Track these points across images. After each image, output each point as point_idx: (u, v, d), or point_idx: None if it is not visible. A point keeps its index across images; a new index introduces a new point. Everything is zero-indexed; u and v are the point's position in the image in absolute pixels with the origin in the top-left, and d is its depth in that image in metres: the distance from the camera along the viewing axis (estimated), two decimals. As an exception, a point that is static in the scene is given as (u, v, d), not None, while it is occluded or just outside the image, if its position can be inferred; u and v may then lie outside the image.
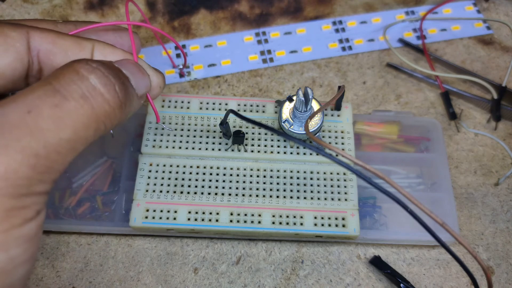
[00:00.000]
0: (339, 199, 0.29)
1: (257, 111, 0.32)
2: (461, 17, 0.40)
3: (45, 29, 0.23)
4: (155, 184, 0.29)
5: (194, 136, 0.31)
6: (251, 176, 0.30)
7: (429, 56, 0.38)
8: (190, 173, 0.29)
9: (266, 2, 0.41)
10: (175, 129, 0.31)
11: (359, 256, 0.30)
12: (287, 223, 0.28)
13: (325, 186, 0.30)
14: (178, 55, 0.38)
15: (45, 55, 0.22)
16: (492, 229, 0.31)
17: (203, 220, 0.28)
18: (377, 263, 0.30)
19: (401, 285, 0.28)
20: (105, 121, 0.19)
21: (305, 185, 0.30)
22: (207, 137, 0.31)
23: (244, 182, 0.29)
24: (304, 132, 0.28)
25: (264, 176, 0.30)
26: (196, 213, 0.28)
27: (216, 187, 0.29)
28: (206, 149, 0.30)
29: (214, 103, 0.32)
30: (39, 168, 0.17)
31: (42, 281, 0.29)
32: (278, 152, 0.30)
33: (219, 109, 0.32)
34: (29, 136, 0.17)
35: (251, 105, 0.32)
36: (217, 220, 0.28)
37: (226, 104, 0.32)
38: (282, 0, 0.41)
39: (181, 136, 0.31)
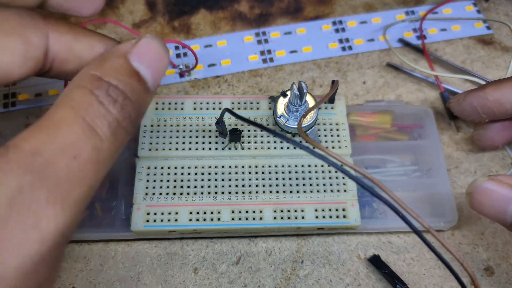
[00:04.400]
0: (338, 191, 0.29)
1: (251, 108, 0.32)
2: (461, 17, 0.40)
3: (63, 30, 0.22)
4: (154, 187, 0.29)
5: (190, 137, 0.31)
6: (249, 173, 0.30)
7: (428, 56, 0.38)
8: (189, 173, 0.30)
9: (266, 2, 0.41)
10: (171, 131, 0.31)
11: (359, 256, 0.30)
12: (289, 217, 0.29)
13: (323, 178, 0.30)
14: (178, 55, 0.38)
15: (59, 63, 0.22)
16: (492, 229, 0.31)
17: (204, 220, 0.28)
18: (375, 262, 0.29)
19: (397, 286, 0.28)
20: (123, 146, 0.20)
21: (303, 178, 0.30)
22: (203, 137, 0.31)
23: (243, 179, 0.30)
24: None
25: (263, 173, 0.30)
26: (197, 213, 0.29)
27: (216, 186, 0.29)
28: (203, 149, 0.30)
29: (208, 103, 0.32)
30: (82, 207, 0.18)
31: (42, 281, 0.29)
32: (275, 148, 0.31)
33: (213, 109, 0.32)
34: (78, 188, 0.17)
35: (245, 103, 0.32)
36: (218, 219, 0.28)
37: (220, 103, 0.32)
38: (282, 0, 0.41)
39: (177, 137, 0.31)
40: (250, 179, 0.30)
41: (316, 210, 0.29)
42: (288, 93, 0.29)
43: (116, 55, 0.20)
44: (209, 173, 0.30)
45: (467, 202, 0.25)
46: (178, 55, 0.38)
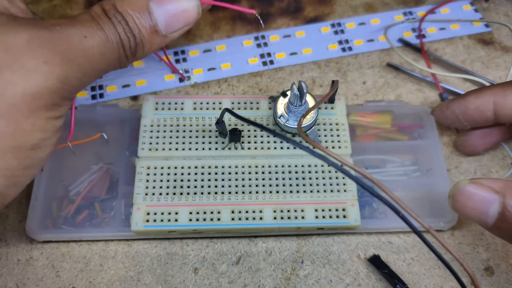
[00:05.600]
0: (338, 191, 0.29)
1: (251, 108, 0.32)
2: (461, 18, 0.40)
3: None
4: (154, 187, 0.29)
5: (190, 137, 0.31)
6: (249, 173, 0.30)
7: (427, 57, 0.38)
8: (189, 173, 0.30)
9: (266, 2, 0.41)
10: (171, 131, 0.31)
11: (359, 256, 0.30)
12: (289, 217, 0.29)
13: (323, 178, 0.30)
14: (177, 60, 0.38)
15: None
16: (492, 229, 0.31)
17: (204, 220, 0.28)
18: (375, 262, 0.29)
19: (397, 286, 0.28)
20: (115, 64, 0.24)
21: (303, 178, 0.30)
22: (203, 137, 0.31)
23: (243, 179, 0.30)
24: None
25: (263, 173, 0.30)
26: (197, 213, 0.29)
27: (216, 186, 0.29)
28: (203, 149, 0.30)
29: (208, 103, 0.32)
30: (80, 79, 0.22)
31: (42, 281, 0.29)
32: (275, 148, 0.31)
33: (213, 109, 0.32)
34: (82, 58, 0.21)
35: (245, 103, 0.32)
36: (218, 219, 0.28)
37: (220, 103, 0.32)
38: (282, 0, 0.41)
39: (177, 137, 0.31)
40: (250, 179, 0.30)
41: (316, 210, 0.29)
42: (288, 93, 0.29)
43: None
44: (209, 173, 0.30)
45: (450, 205, 0.26)
46: (177, 60, 0.38)
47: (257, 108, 0.32)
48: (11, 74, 0.20)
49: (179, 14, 0.24)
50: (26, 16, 0.23)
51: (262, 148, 0.31)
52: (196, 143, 0.30)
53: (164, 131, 0.31)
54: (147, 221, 0.28)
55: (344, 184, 0.30)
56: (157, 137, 0.30)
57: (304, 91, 0.28)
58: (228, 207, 0.29)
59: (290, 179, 0.30)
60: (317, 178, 0.30)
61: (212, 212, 0.29)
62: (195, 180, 0.29)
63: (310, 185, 0.30)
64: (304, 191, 0.29)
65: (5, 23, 0.20)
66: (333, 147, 0.31)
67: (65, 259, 0.30)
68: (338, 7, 0.41)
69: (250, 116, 0.31)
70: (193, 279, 0.29)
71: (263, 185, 0.29)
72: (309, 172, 0.30)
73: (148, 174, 0.29)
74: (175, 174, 0.30)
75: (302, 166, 0.30)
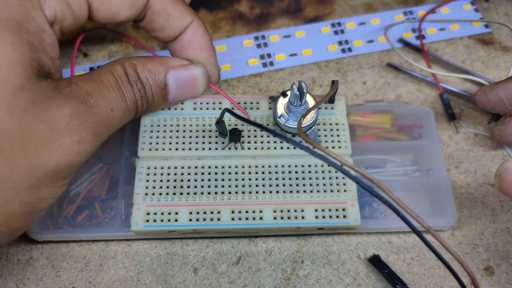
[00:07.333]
0: (338, 191, 0.29)
1: (251, 108, 0.32)
2: (461, 18, 0.40)
3: None
4: (154, 187, 0.29)
5: (190, 137, 0.31)
6: (249, 173, 0.30)
7: (427, 57, 0.38)
8: (189, 173, 0.30)
9: (266, 2, 0.41)
10: (171, 131, 0.31)
11: (359, 256, 0.30)
12: (289, 217, 0.29)
13: (323, 178, 0.30)
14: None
15: (151, 15, 0.27)
16: (492, 229, 0.31)
17: (204, 220, 0.28)
18: (375, 262, 0.30)
19: (397, 286, 0.28)
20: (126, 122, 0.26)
21: (303, 178, 0.30)
22: (203, 137, 0.31)
23: (243, 179, 0.30)
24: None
25: (263, 173, 0.30)
26: (197, 213, 0.28)
27: (216, 186, 0.29)
28: (203, 149, 0.30)
29: (208, 103, 0.32)
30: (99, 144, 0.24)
31: (42, 281, 0.29)
32: (275, 148, 0.31)
33: (213, 109, 0.32)
34: (107, 130, 0.24)
35: (245, 103, 0.32)
36: (218, 219, 0.28)
37: (220, 103, 0.32)
38: (282, 0, 0.41)
39: (177, 137, 0.30)
40: (250, 179, 0.30)
41: (316, 210, 0.29)
42: (288, 93, 0.29)
43: (162, 62, 0.27)
44: (209, 173, 0.30)
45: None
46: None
47: (257, 108, 0.32)
48: (48, 151, 0.21)
49: (190, 84, 0.28)
50: (61, 77, 0.24)
51: (262, 148, 0.30)
52: (196, 143, 0.30)
53: (164, 131, 0.31)
54: (147, 221, 0.28)
55: (344, 184, 0.30)
56: (157, 137, 0.30)
57: (304, 91, 0.28)
58: (228, 207, 0.29)
59: (290, 179, 0.30)
60: (317, 178, 0.30)
61: (212, 212, 0.29)
62: (195, 180, 0.29)
63: (310, 185, 0.30)
64: (304, 191, 0.29)
65: (51, 96, 0.21)
66: (333, 147, 0.31)
67: (65, 259, 0.30)
68: (338, 7, 0.41)
69: (250, 116, 0.31)
70: (193, 279, 0.29)
71: (263, 185, 0.29)
72: (309, 172, 0.30)
73: (148, 174, 0.29)
74: (175, 174, 0.30)
75: (302, 166, 0.30)
